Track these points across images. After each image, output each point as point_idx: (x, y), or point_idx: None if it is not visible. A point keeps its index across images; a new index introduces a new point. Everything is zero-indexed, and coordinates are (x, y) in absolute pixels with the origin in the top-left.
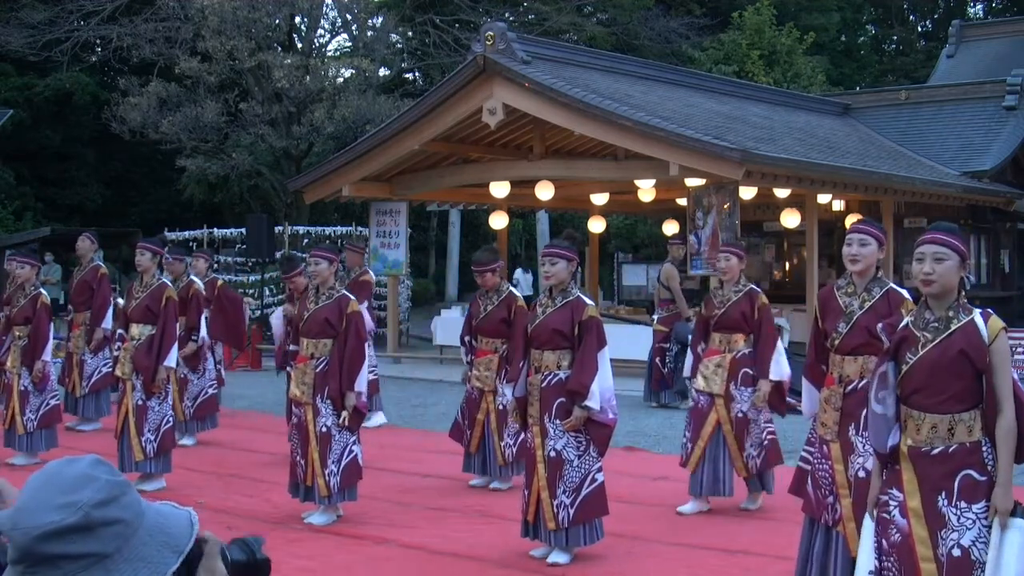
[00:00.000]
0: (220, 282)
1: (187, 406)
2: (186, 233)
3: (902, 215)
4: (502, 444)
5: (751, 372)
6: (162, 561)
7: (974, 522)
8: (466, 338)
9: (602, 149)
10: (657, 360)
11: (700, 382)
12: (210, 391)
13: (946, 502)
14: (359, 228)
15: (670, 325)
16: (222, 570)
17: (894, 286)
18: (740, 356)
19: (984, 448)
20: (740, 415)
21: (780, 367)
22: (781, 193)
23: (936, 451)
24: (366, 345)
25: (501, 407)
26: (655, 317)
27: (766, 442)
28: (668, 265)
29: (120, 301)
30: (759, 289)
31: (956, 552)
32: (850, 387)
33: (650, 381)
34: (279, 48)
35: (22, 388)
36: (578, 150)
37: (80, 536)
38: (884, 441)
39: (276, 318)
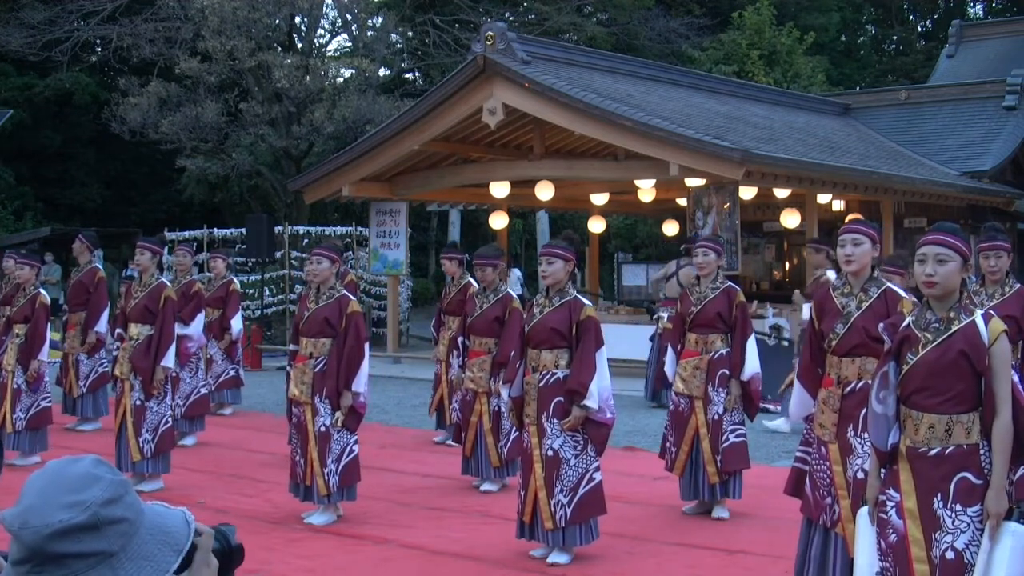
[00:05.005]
0: (233, 285)
1: (178, 404)
2: (186, 233)
3: (902, 215)
4: (498, 445)
5: (728, 373)
6: (164, 559)
7: (968, 525)
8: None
9: (602, 149)
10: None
11: (679, 384)
12: (202, 391)
13: (942, 504)
14: (359, 228)
15: None
16: (215, 562)
17: (891, 285)
18: (717, 357)
19: (982, 451)
20: (716, 417)
21: (750, 363)
22: (781, 193)
23: (933, 452)
24: (366, 345)
25: (495, 408)
26: (664, 316)
27: (730, 444)
28: (689, 268)
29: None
30: (737, 287)
31: (950, 555)
32: (848, 388)
33: (654, 381)
34: (279, 48)
35: (15, 386)
36: (578, 150)
37: (88, 535)
38: (884, 440)
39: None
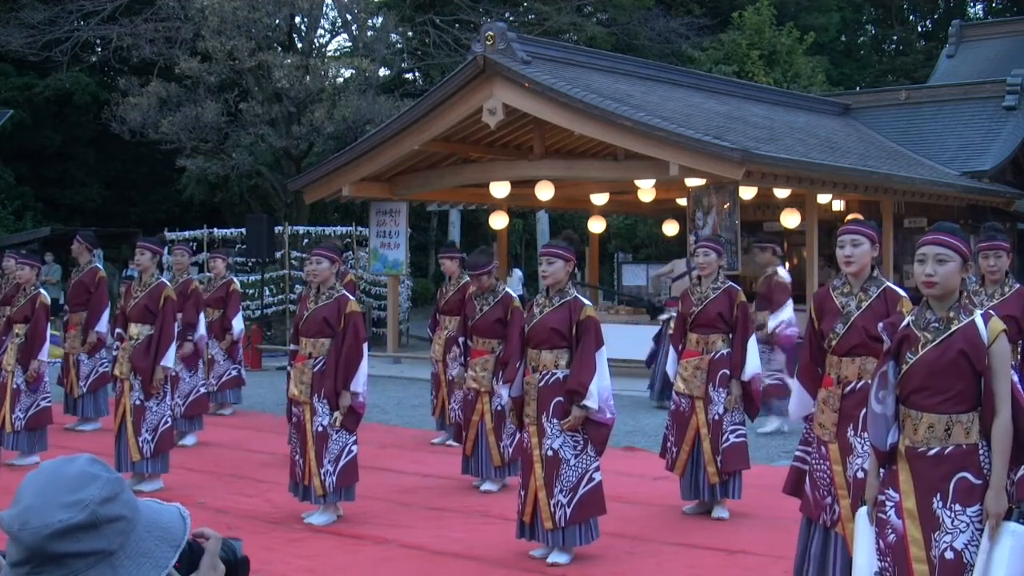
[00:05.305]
0: (233, 286)
1: (177, 403)
2: (186, 233)
3: (902, 215)
4: (500, 445)
5: (728, 373)
6: (162, 555)
7: (968, 525)
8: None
9: (602, 149)
10: None
11: (680, 384)
12: (201, 390)
13: (941, 504)
14: (359, 228)
15: None
16: (222, 567)
17: (890, 284)
18: (718, 357)
19: (981, 451)
20: (716, 418)
21: (751, 364)
22: (781, 193)
23: (932, 452)
24: (364, 345)
25: (498, 408)
26: (675, 315)
27: (730, 444)
28: None
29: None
30: (738, 287)
31: (949, 555)
32: (848, 388)
33: (661, 380)
34: (279, 48)
35: (15, 386)
36: (578, 150)
37: (87, 534)
38: (883, 439)
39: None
